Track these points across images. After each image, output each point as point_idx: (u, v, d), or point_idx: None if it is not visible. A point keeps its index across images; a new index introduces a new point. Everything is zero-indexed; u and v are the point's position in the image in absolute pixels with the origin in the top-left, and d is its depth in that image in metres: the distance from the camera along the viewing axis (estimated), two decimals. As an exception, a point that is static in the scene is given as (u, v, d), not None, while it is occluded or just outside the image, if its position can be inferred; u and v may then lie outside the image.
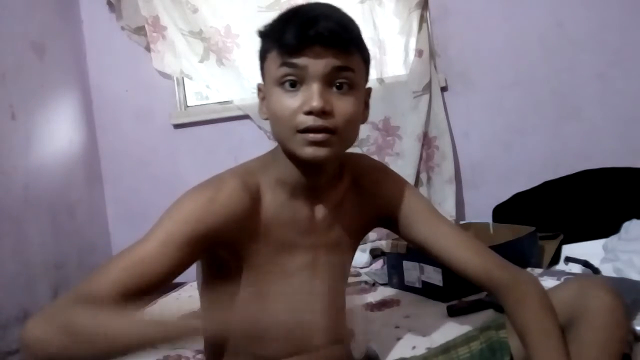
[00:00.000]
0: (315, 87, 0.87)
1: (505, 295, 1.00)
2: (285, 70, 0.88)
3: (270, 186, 0.96)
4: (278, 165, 0.97)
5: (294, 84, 0.88)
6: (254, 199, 0.93)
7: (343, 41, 0.88)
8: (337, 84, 0.89)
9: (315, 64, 0.87)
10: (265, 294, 0.97)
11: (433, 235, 1.06)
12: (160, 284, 0.85)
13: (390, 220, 1.10)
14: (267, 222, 0.95)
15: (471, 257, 1.03)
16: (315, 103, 0.86)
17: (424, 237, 1.07)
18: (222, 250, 0.92)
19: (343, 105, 0.89)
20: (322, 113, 0.87)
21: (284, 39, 0.88)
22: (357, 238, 1.10)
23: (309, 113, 0.87)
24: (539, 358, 0.92)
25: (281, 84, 0.89)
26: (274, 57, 0.90)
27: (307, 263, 1.00)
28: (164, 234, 0.86)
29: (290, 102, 0.88)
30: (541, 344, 0.93)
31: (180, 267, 0.87)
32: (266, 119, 0.96)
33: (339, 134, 0.89)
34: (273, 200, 0.96)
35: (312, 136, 0.87)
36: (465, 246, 1.05)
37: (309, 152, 0.88)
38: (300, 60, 0.87)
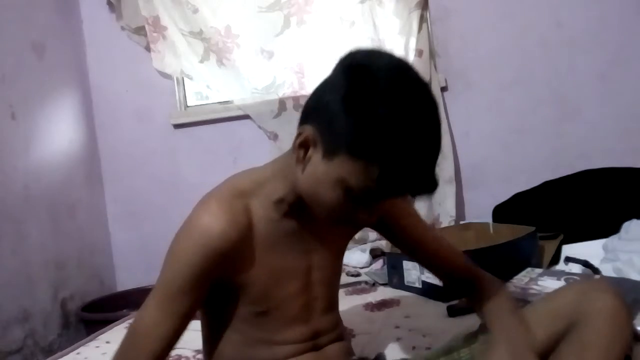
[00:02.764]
0: (375, 216, 0.88)
1: (474, 288, 1.09)
2: (364, 196, 0.82)
3: (263, 205, 0.93)
4: (281, 187, 0.93)
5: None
6: (245, 224, 0.91)
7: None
8: None
9: (391, 204, 0.92)
10: (265, 304, 0.98)
11: (421, 240, 1.12)
12: (178, 338, 0.90)
13: (379, 223, 1.10)
14: (261, 240, 0.94)
15: (453, 261, 1.14)
16: (368, 225, 0.92)
17: (412, 241, 1.12)
18: (222, 278, 0.92)
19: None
20: None
21: (388, 181, 0.79)
22: (347, 239, 1.11)
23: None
24: (498, 323, 0.98)
25: (347, 192, 0.82)
26: (360, 171, 0.79)
27: (303, 268, 1.00)
28: (165, 294, 0.88)
29: (347, 206, 0.85)
30: (502, 314, 1.00)
31: (194, 310, 0.90)
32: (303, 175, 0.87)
33: None
34: (266, 219, 0.93)
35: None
36: (448, 251, 1.14)
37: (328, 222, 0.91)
38: (385, 204, 0.87)
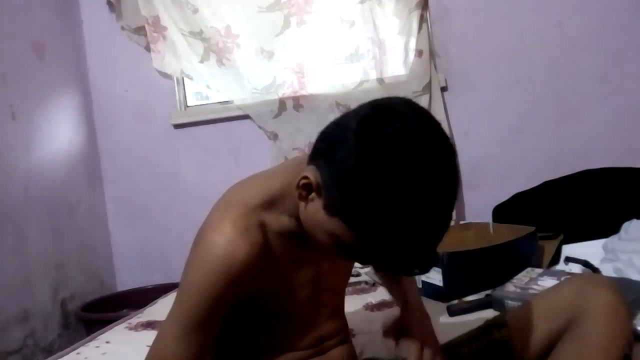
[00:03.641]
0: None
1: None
2: (356, 253, 0.83)
3: (276, 221, 0.92)
4: (292, 205, 0.90)
5: None
6: (262, 242, 0.90)
7: None
8: None
9: None
10: (274, 313, 0.98)
11: None
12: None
13: None
14: (275, 254, 0.93)
15: None
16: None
17: None
18: (239, 295, 0.92)
19: None
20: None
21: (378, 259, 0.84)
22: None
23: None
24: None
25: (341, 244, 0.82)
26: (353, 239, 0.80)
27: (312, 277, 1.00)
28: (188, 326, 0.87)
29: (339, 251, 0.85)
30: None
31: (216, 336, 0.91)
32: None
33: None
34: (279, 233, 0.93)
35: None
36: None
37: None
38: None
